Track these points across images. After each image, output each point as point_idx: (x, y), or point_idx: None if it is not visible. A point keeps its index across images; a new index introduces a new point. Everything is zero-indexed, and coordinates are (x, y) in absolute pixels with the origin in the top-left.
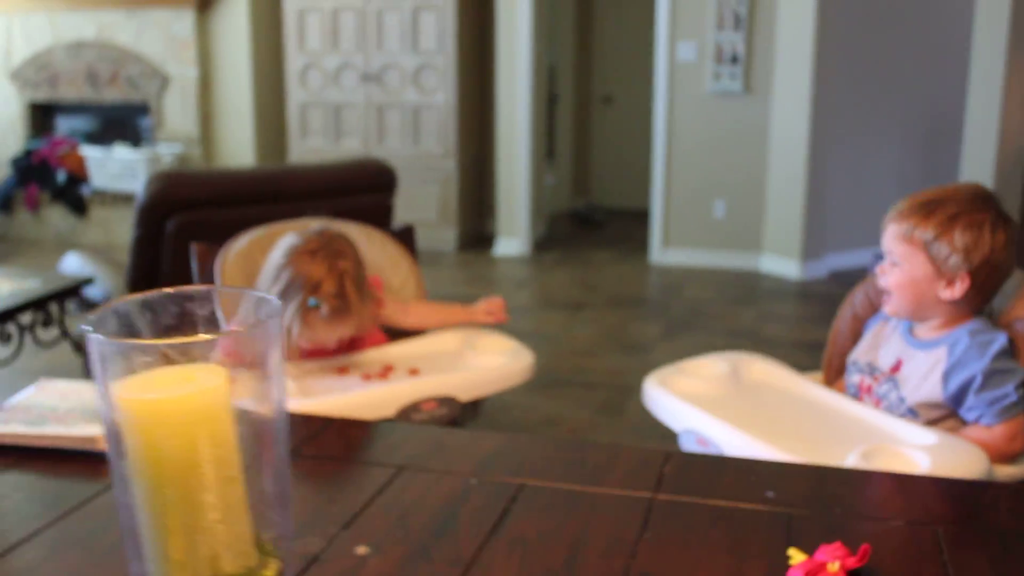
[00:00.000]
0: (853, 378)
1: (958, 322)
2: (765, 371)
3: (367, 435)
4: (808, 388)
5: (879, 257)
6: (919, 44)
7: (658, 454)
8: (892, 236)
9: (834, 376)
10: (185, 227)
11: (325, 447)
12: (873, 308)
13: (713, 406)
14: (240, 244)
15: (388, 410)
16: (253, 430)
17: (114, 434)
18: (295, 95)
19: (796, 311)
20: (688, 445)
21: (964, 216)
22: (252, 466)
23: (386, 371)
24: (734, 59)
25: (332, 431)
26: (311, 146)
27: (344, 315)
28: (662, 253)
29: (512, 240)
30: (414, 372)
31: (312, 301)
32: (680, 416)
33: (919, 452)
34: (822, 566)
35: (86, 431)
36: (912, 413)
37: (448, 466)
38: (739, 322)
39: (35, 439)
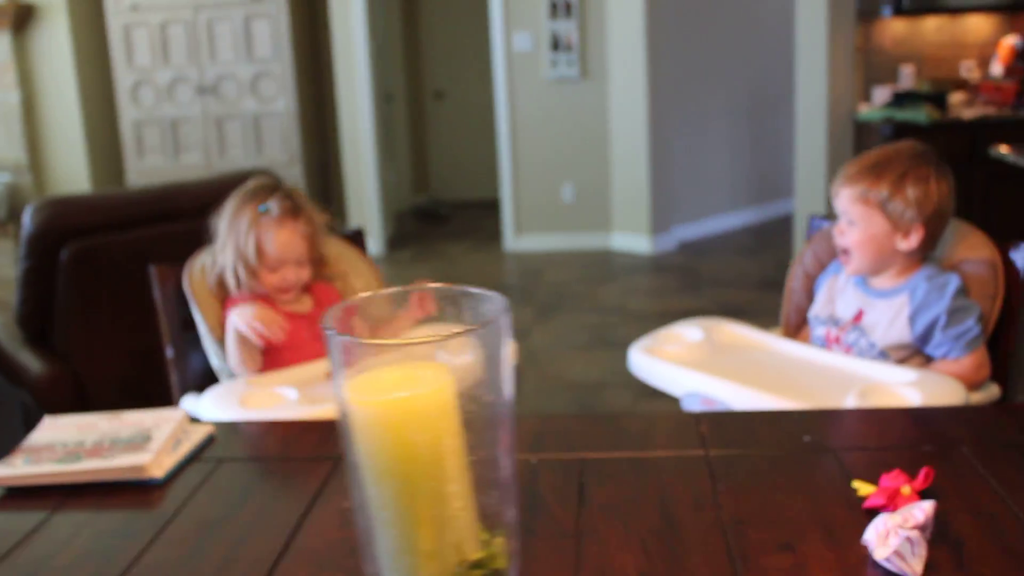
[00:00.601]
0: (818, 331)
1: (912, 270)
2: (734, 332)
3: None
4: (780, 343)
5: (822, 219)
6: (741, 21)
7: (689, 416)
8: (847, 199)
9: (793, 332)
10: (82, 254)
11: None
12: (821, 265)
13: (705, 368)
14: (204, 258)
15: None
16: (485, 421)
17: (351, 434)
18: (127, 113)
19: (654, 284)
20: (692, 406)
21: (911, 172)
22: (483, 454)
23: None
24: (569, 46)
25: None
26: (149, 165)
27: (296, 215)
28: (516, 240)
29: (366, 241)
30: None
31: (262, 207)
32: (680, 380)
33: (907, 388)
34: (896, 491)
35: (133, 460)
36: (883, 355)
37: None
38: (604, 299)
39: (82, 475)
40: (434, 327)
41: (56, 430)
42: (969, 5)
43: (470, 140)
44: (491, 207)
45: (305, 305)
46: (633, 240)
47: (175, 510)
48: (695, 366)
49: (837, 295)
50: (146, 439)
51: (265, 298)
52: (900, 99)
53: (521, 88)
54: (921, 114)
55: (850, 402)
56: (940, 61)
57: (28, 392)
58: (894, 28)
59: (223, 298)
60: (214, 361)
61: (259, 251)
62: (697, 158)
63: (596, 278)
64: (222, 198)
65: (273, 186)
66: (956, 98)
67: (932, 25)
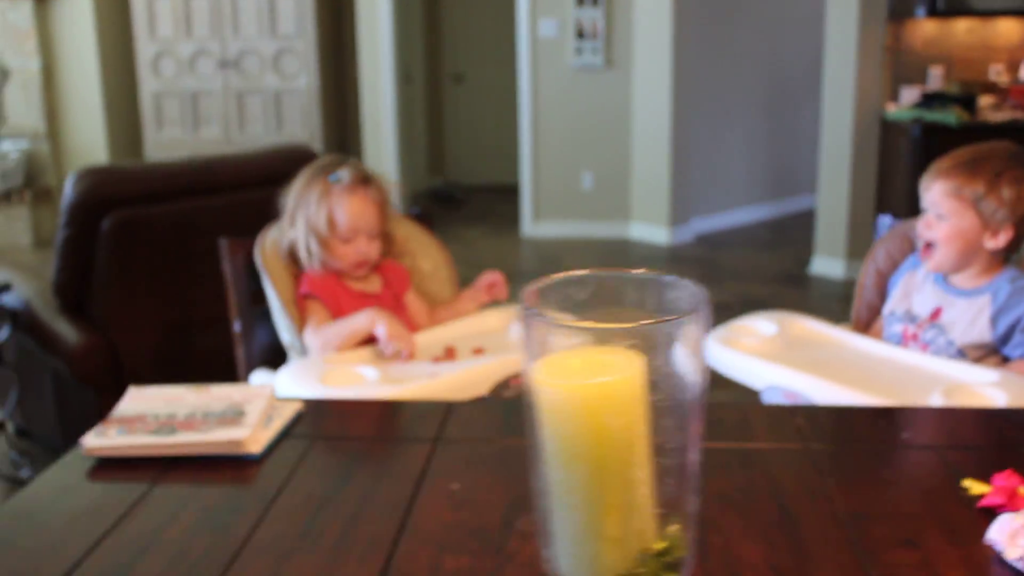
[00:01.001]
0: (895, 328)
1: (994, 270)
2: (807, 327)
3: (498, 414)
4: (854, 340)
5: (891, 217)
6: (766, 15)
7: (782, 409)
8: (940, 192)
9: (863, 328)
10: (124, 225)
11: (469, 429)
12: (894, 263)
13: (783, 362)
14: (273, 232)
15: (480, 389)
16: (675, 409)
17: (539, 416)
18: (148, 84)
19: (674, 275)
20: (773, 400)
21: (1007, 172)
22: (670, 442)
23: (450, 353)
24: (594, 34)
25: (462, 413)
26: (168, 137)
27: (366, 182)
28: (534, 226)
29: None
30: (478, 351)
31: (332, 177)
32: (761, 373)
33: (990, 389)
34: (1014, 491)
35: (231, 435)
36: (961, 354)
37: None
38: None
39: (179, 448)
40: (503, 311)
41: (144, 401)
42: (1000, 8)
43: (488, 124)
44: (507, 192)
45: (375, 284)
46: (651, 231)
47: (278, 486)
48: (773, 359)
49: (914, 291)
50: (239, 414)
51: (337, 275)
52: (929, 100)
53: (545, 75)
54: (951, 116)
55: (935, 401)
56: (969, 63)
57: (62, 361)
58: (925, 29)
59: (296, 273)
60: (284, 336)
61: (331, 222)
62: (716, 151)
63: (614, 267)
64: (264, 172)
65: (341, 159)
66: (984, 101)
67: (963, 27)
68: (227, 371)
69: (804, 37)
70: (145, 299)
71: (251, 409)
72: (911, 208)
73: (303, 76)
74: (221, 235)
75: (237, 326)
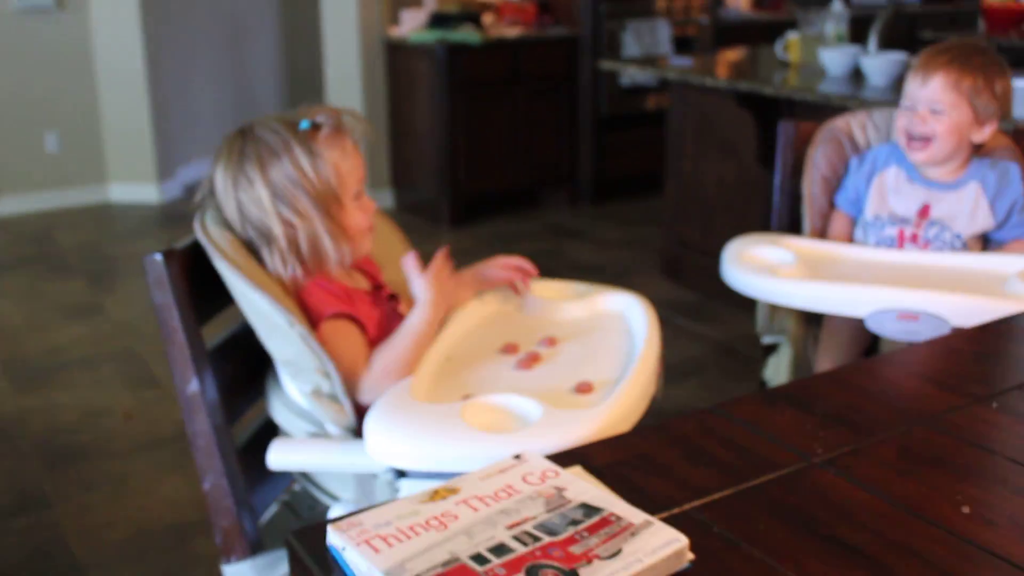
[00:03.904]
0: (888, 231)
1: (968, 162)
2: (804, 244)
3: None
4: (870, 252)
5: (789, 123)
6: None
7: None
8: (940, 87)
9: (820, 236)
10: None
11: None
12: (833, 168)
13: (882, 283)
14: (217, 232)
15: (652, 389)
16: None
17: None
18: None
19: (184, 235)
20: (886, 326)
21: (996, 66)
22: None
23: (516, 348)
24: None
25: (741, 418)
26: None
27: (346, 133)
28: None
29: None
30: (552, 342)
31: (304, 123)
32: (863, 299)
33: None
34: None
35: (668, 546)
36: (964, 245)
37: None
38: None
39: None
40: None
41: (387, 515)
42: None
43: None
44: None
45: (360, 280)
46: (136, 189)
47: None
48: (869, 283)
49: (889, 193)
50: (593, 511)
51: (344, 288)
52: (442, 21)
53: None
54: (473, 35)
55: (1015, 287)
56: None
57: None
58: None
59: (295, 291)
60: (311, 382)
61: (338, 177)
62: (190, 92)
63: (130, 234)
64: None
65: (280, 112)
66: (486, 19)
67: None
68: None
69: None
70: None
71: (595, 498)
72: (442, 127)
73: None
74: None
75: (195, 384)
